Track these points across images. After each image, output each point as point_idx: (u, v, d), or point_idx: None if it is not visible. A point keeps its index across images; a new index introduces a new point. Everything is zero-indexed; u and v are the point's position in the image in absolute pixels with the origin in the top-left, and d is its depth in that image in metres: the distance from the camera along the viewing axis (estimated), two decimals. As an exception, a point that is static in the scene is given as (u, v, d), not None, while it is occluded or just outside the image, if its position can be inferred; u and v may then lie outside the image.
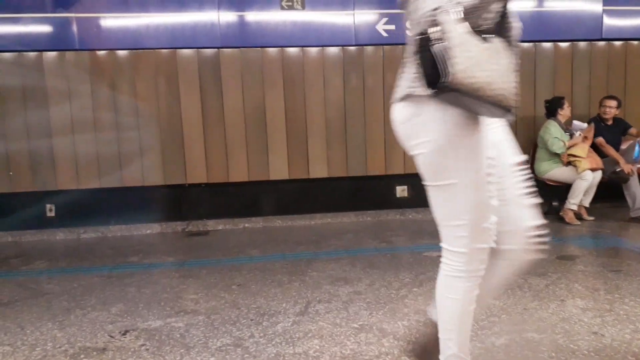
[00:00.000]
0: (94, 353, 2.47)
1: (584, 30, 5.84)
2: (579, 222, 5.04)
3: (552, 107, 5.33)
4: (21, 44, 5.19)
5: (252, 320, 2.82)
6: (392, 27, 5.58)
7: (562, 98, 5.35)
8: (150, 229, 5.47)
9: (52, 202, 5.47)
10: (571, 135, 5.26)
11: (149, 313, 2.99)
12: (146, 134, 5.45)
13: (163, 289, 3.44)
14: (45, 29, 5.22)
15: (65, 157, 5.37)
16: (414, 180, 5.82)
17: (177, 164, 5.53)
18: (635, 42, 5.97)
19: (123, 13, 5.28)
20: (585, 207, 5.20)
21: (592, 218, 5.17)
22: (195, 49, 5.44)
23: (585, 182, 4.97)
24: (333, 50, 5.61)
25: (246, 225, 5.58)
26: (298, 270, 3.74)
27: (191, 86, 5.48)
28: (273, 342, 2.51)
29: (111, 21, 5.29)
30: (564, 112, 5.31)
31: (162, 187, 5.55)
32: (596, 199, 5.22)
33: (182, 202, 5.66)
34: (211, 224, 5.56)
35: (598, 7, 5.80)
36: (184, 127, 5.51)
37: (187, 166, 5.54)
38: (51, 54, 5.27)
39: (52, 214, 5.48)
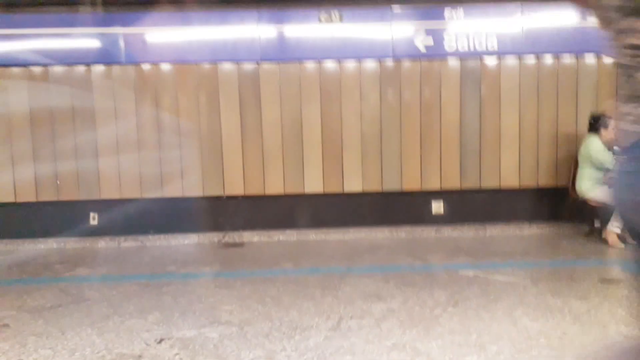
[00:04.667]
0: (131, 360, 2.53)
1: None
2: (622, 245, 4.84)
3: (597, 125, 5.15)
4: (71, 58, 5.44)
5: (284, 333, 2.83)
6: (430, 40, 5.56)
7: (609, 118, 5.14)
8: (187, 239, 5.58)
9: (95, 210, 5.67)
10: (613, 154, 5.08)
11: (184, 322, 3.04)
12: (187, 146, 5.60)
13: (198, 298, 3.50)
14: (94, 43, 5.46)
15: (109, 167, 5.56)
16: (450, 197, 5.81)
17: (216, 176, 5.64)
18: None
19: (167, 27, 5.47)
20: (630, 230, 5.00)
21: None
22: (236, 63, 5.57)
23: (630, 202, 4.78)
24: (370, 63, 5.63)
25: (281, 237, 5.62)
26: (331, 285, 3.74)
27: (231, 100, 5.60)
28: (305, 357, 2.51)
29: (156, 35, 5.49)
30: (607, 134, 5.10)
31: (201, 198, 5.67)
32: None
33: (220, 213, 5.76)
34: (247, 236, 5.63)
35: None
36: (224, 140, 5.63)
37: (225, 178, 5.65)
38: (99, 67, 5.50)
39: (95, 222, 5.67)
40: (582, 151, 5.15)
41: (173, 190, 5.61)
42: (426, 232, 5.68)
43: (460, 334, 2.76)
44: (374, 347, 2.61)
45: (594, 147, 5.02)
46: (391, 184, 5.72)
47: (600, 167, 5.00)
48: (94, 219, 5.68)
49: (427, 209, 5.85)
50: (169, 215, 5.68)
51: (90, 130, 5.52)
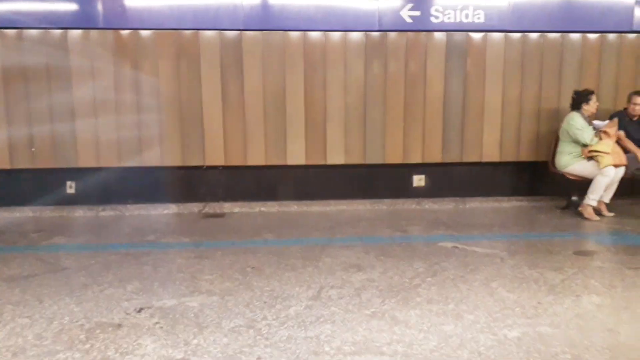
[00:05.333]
0: (110, 329, 2.52)
1: (614, 21, 5.68)
2: (598, 218, 4.96)
3: (578, 100, 5.20)
4: (46, 21, 5.24)
5: (265, 302, 2.84)
6: (417, 13, 5.49)
7: (591, 93, 5.19)
8: (167, 209, 5.53)
9: (72, 179, 5.56)
10: (595, 129, 5.15)
11: (164, 292, 3.03)
12: (166, 115, 5.49)
13: (178, 268, 3.49)
14: (71, 7, 5.26)
15: (87, 136, 5.43)
16: (431, 170, 5.84)
17: (196, 146, 5.56)
18: (667, 36, 5.80)
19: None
20: (605, 203, 5.11)
21: (612, 214, 5.08)
22: (218, 31, 5.44)
23: (606, 178, 4.87)
24: (356, 35, 5.55)
25: (262, 209, 5.61)
26: (312, 256, 3.76)
27: (212, 68, 5.48)
28: (285, 325, 2.53)
29: (135, 1, 5.31)
30: (589, 108, 5.17)
31: (181, 168, 5.60)
32: (617, 195, 5.13)
33: (200, 183, 5.71)
34: (227, 207, 5.60)
35: (630, -2, 5.64)
36: (204, 109, 5.53)
37: (205, 148, 5.57)
38: (75, 32, 5.32)
39: (72, 191, 5.57)
40: (563, 126, 5.21)
41: (152, 159, 5.51)
42: (407, 205, 5.73)
43: (438, 303, 2.81)
44: (353, 316, 2.64)
45: (575, 122, 5.08)
46: (374, 157, 5.72)
47: (578, 143, 5.08)
48: (71, 188, 5.58)
49: (409, 182, 5.88)
50: (148, 185, 5.60)
51: (67, 97, 5.36)
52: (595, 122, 5.28)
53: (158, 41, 5.40)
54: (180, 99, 5.49)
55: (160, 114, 5.48)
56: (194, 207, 5.57)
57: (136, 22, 5.34)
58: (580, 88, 5.36)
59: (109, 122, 5.44)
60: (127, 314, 2.71)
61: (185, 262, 3.65)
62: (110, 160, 5.49)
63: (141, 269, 3.49)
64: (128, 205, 5.55)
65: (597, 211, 5.06)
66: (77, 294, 3.00)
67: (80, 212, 5.41)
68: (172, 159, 5.54)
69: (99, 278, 3.29)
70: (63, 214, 5.38)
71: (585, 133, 5.00)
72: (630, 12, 5.66)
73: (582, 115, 5.14)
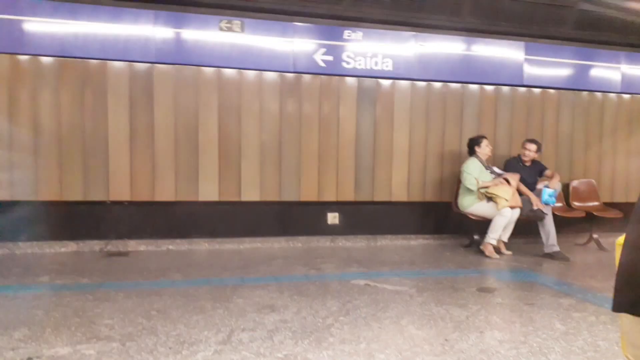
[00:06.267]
0: (-12, 384, 2.23)
1: (507, 75, 6.26)
2: (497, 256, 5.28)
3: (472, 145, 5.63)
4: None
5: (170, 348, 2.67)
6: (330, 57, 5.69)
7: (481, 137, 5.63)
8: (65, 247, 5.12)
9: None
10: (492, 173, 5.55)
11: (57, 339, 2.75)
12: (68, 146, 5.14)
13: (75, 312, 3.20)
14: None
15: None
16: (345, 208, 5.95)
17: (100, 180, 5.24)
18: (552, 91, 6.47)
19: (50, 18, 5.02)
20: (504, 242, 5.47)
21: (509, 252, 5.44)
22: (127, 62, 5.25)
23: (504, 218, 5.24)
24: (271, 75, 5.62)
25: (170, 247, 5.36)
26: (223, 297, 3.62)
27: (120, 100, 5.26)
28: (192, 372, 2.38)
29: (36, 25, 5.01)
30: (481, 150, 5.58)
31: (81, 203, 5.23)
32: (515, 234, 5.52)
33: (102, 220, 5.36)
34: (132, 244, 5.29)
35: (520, 56, 6.25)
36: (110, 142, 5.25)
37: (110, 182, 5.26)
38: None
39: (-47, 227, 4.99)
40: (461, 170, 5.58)
41: (50, 193, 5.11)
42: (322, 242, 5.76)
43: (350, 343, 2.80)
44: (265, 359, 2.55)
45: (466, 167, 5.47)
46: (289, 194, 5.73)
47: (469, 187, 5.42)
48: (-49, 224, 5.00)
49: (323, 220, 5.93)
50: (44, 221, 5.15)
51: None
52: (495, 168, 5.69)
53: (61, 69, 5.10)
54: (84, 129, 5.18)
55: (60, 145, 5.12)
56: (95, 245, 5.20)
57: (38, 48, 5.03)
58: (478, 134, 5.79)
59: (1, 148, 4.99)
60: (11, 366, 2.41)
61: (82, 305, 3.35)
62: (0, 194, 5.00)
63: (31, 313, 3.16)
64: (19, 243, 5.06)
65: (497, 249, 5.40)
66: (-50, 345, 2.64)
67: (-40, 251, 4.85)
68: (72, 193, 5.17)
69: (-21, 326, 2.93)
70: (-61, 253, 4.79)
71: (467, 180, 5.37)
72: (520, 68, 6.27)
73: (479, 159, 5.53)
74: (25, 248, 5.03)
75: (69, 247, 5.14)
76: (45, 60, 5.07)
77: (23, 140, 5.04)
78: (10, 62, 5.00)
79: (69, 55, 5.09)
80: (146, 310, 3.29)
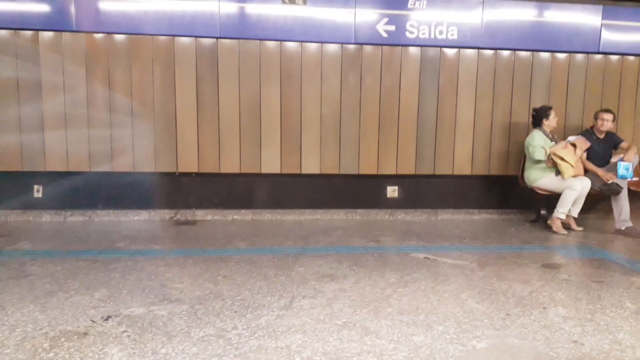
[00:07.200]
0: (75, 337, 2.45)
1: (581, 42, 5.89)
2: (565, 232, 5.08)
3: (538, 116, 5.37)
4: (17, 22, 5.12)
5: (235, 312, 2.81)
6: (392, 27, 5.58)
7: (549, 108, 5.36)
8: (138, 216, 5.44)
9: (39, 183, 5.42)
10: (556, 144, 5.30)
11: (132, 300, 2.97)
12: (140, 121, 5.42)
13: (148, 276, 3.43)
14: (43, 8, 5.16)
15: (56, 138, 5.32)
16: (405, 182, 5.90)
17: (169, 152, 5.50)
18: (631, 57, 6.03)
19: (122, -3, 5.26)
20: (574, 218, 5.24)
21: (580, 228, 5.22)
22: (194, 38, 5.41)
23: (574, 191, 5.01)
24: (332, 47, 5.60)
25: (235, 217, 5.56)
26: (285, 265, 3.74)
27: (187, 75, 5.45)
28: (256, 335, 2.51)
29: (110, 4, 5.25)
30: (549, 123, 5.33)
31: (152, 174, 5.52)
32: (584, 209, 5.27)
33: (172, 190, 5.64)
34: (200, 214, 5.54)
35: (597, 21, 5.84)
36: (178, 116, 5.48)
37: (178, 155, 5.51)
38: (47, 34, 5.21)
39: (40, 195, 5.43)
40: (526, 143, 5.36)
41: (123, 164, 5.43)
42: (380, 215, 5.77)
43: (409, 314, 2.82)
44: (324, 326, 2.63)
45: (532, 140, 5.23)
46: (348, 167, 5.76)
47: (539, 158, 5.20)
48: (38, 192, 5.44)
49: (382, 193, 5.93)
50: (119, 190, 5.51)
51: (36, 97, 5.24)
52: (570, 137, 5.44)
53: (132, 46, 5.34)
54: (154, 104, 5.43)
55: (132, 119, 5.40)
56: (166, 214, 5.50)
57: (112, 26, 5.28)
58: (543, 104, 5.52)
59: (80, 122, 5.33)
60: (94, 322, 2.64)
61: (154, 269, 3.59)
62: (78, 165, 5.37)
63: (109, 276, 3.41)
64: (97, 211, 5.44)
65: (567, 225, 5.19)
66: (42, 301, 2.91)
67: (47, 217, 5.28)
68: (144, 165, 5.46)
69: (65, 285, 3.20)
70: (29, 218, 5.24)
71: (537, 152, 5.14)
72: (596, 34, 5.87)
73: (544, 131, 5.29)
74: (103, 216, 5.40)
75: (141, 215, 5.46)
76: (118, 37, 5.32)
77: (99, 115, 5.36)
78: (87, 40, 5.28)
79: (139, 32, 5.31)
80: (213, 275, 3.46)
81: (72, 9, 5.16)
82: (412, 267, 3.74)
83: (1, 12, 5.10)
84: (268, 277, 3.46)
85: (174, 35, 5.38)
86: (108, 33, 5.30)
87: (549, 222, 5.21)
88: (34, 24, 5.16)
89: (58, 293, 3.06)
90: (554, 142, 5.28)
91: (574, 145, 5.16)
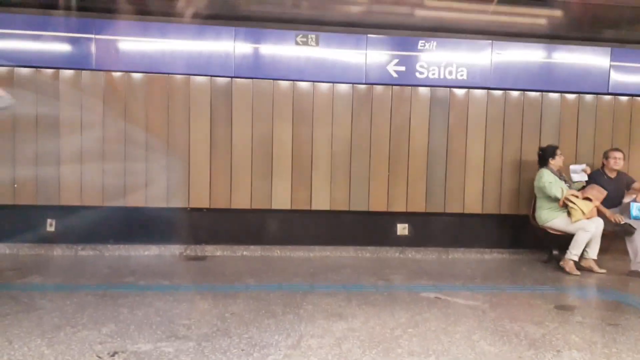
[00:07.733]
0: (81, 372, 2.43)
1: (590, 83, 5.94)
2: (579, 273, 4.99)
3: (545, 156, 5.38)
4: (40, 60, 5.31)
5: (242, 350, 2.78)
6: (402, 68, 5.69)
7: (556, 148, 5.38)
8: (148, 251, 5.46)
9: (53, 217, 5.49)
10: (565, 182, 5.28)
11: (140, 335, 2.96)
12: (153, 156, 5.50)
13: (156, 312, 3.41)
14: (64, 47, 5.35)
15: (70, 173, 5.41)
16: (415, 219, 5.88)
17: (181, 188, 5.56)
18: (641, 98, 6.06)
19: (141, 36, 5.43)
20: (594, 260, 5.11)
21: (603, 271, 5.02)
22: (209, 77, 5.55)
23: (587, 233, 4.95)
24: (343, 87, 5.71)
25: (245, 252, 5.56)
26: (293, 302, 3.71)
27: (201, 112, 5.56)
28: (262, 374, 2.47)
29: (129, 44, 5.43)
30: (555, 162, 5.33)
31: (164, 209, 5.56)
32: (601, 250, 5.17)
33: (183, 225, 5.66)
34: (210, 249, 5.55)
35: (606, 62, 5.91)
36: (191, 152, 5.56)
37: (190, 190, 5.57)
38: (68, 72, 5.39)
39: (52, 229, 5.49)
40: (535, 184, 5.35)
41: (136, 199, 5.48)
42: (390, 253, 5.73)
43: (419, 355, 2.77)
44: (333, 366, 2.59)
45: (544, 179, 5.21)
46: (358, 204, 5.76)
47: (553, 198, 5.17)
48: (51, 225, 5.49)
49: (393, 230, 5.90)
50: (131, 225, 5.54)
51: (54, 133, 5.37)
52: (572, 166, 5.42)
53: (149, 84, 5.49)
54: (168, 140, 5.53)
55: (146, 154, 5.49)
56: (176, 250, 5.51)
57: (129, 65, 5.44)
58: (549, 144, 5.52)
59: (95, 157, 5.43)
60: (100, 358, 2.62)
61: (163, 305, 3.57)
62: (92, 199, 5.44)
63: (117, 311, 3.41)
64: (108, 245, 5.47)
65: (578, 266, 5.10)
66: (49, 336, 2.91)
67: (58, 251, 5.31)
68: (155, 200, 5.52)
69: (73, 319, 3.20)
70: (41, 252, 5.28)
71: (554, 188, 5.11)
72: (605, 75, 5.93)
73: (551, 170, 5.28)
74: (113, 250, 5.42)
75: (151, 250, 5.48)
76: (136, 76, 5.48)
77: (114, 150, 5.46)
78: (106, 78, 5.44)
79: (156, 71, 5.47)
80: (221, 312, 3.44)
81: (93, 49, 5.35)
82: (422, 307, 3.69)
83: (25, 51, 5.29)
84: (276, 314, 3.43)
85: (190, 75, 5.52)
86: (126, 72, 5.46)
87: (561, 263, 5.13)
88: (56, 62, 5.34)
89: (66, 327, 3.05)
90: (563, 180, 5.27)
91: (589, 199, 5.10)
